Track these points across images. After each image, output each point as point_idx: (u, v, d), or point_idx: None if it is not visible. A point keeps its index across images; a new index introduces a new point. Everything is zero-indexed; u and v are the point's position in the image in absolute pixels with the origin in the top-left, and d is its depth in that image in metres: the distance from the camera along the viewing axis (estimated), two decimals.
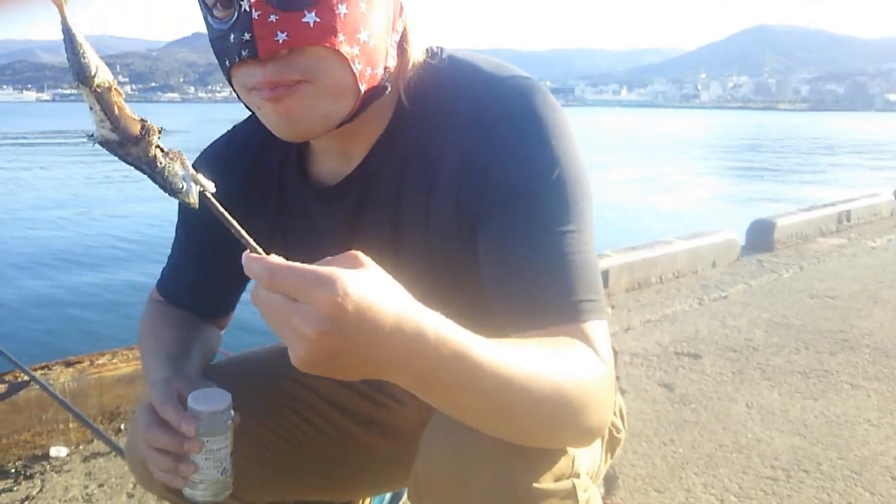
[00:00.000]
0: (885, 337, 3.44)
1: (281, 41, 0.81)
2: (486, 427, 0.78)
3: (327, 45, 0.83)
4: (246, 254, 0.67)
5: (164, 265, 1.26)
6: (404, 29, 0.96)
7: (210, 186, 0.71)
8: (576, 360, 0.81)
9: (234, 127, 1.17)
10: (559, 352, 0.80)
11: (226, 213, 0.70)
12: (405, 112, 0.97)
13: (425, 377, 0.68)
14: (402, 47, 0.96)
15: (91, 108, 0.66)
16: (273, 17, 0.81)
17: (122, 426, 2.34)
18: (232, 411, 0.95)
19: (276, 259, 0.66)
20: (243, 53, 0.82)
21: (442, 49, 1.01)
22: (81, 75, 0.64)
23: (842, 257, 5.33)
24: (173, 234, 1.24)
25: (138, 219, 10.50)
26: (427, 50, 0.99)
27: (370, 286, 0.64)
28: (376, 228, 1.01)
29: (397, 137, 0.98)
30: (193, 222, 1.19)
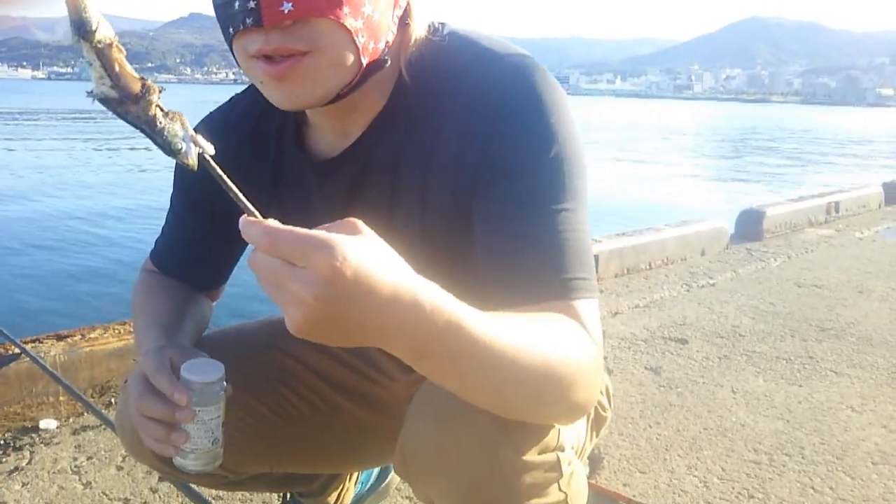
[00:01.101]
0: (870, 326, 3.48)
1: (286, 11, 0.81)
2: (476, 399, 0.78)
3: (332, 17, 0.83)
4: (244, 217, 0.67)
5: (158, 235, 1.27)
6: (408, 4, 0.96)
7: (209, 148, 0.71)
8: (566, 336, 0.82)
9: (233, 97, 1.18)
10: (550, 327, 0.81)
11: (224, 176, 0.70)
12: (405, 87, 0.98)
13: (419, 346, 0.69)
14: (403, 22, 0.96)
15: (91, 65, 0.65)
16: None
17: (113, 400, 2.35)
18: (224, 382, 0.96)
19: (274, 223, 0.66)
20: (247, 21, 0.82)
21: (444, 25, 1.01)
22: (82, 30, 0.63)
23: (829, 247, 5.38)
24: (166, 206, 1.24)
25: (131, 192, 10.45)
26: (429, 26, 0.99)
27: (369, 253, 0.64)
28: (373, 202, 1.01)
29: (397, 113, 0.98)
30: (189, 192, 1.19)
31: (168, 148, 0.69)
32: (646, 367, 2.88)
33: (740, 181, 15.89)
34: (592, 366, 0.83)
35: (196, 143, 0.70)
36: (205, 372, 0.95)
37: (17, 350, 2.19)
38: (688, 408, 2.50)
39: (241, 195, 0.70)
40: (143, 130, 0.68)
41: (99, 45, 0.64)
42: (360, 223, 0.67)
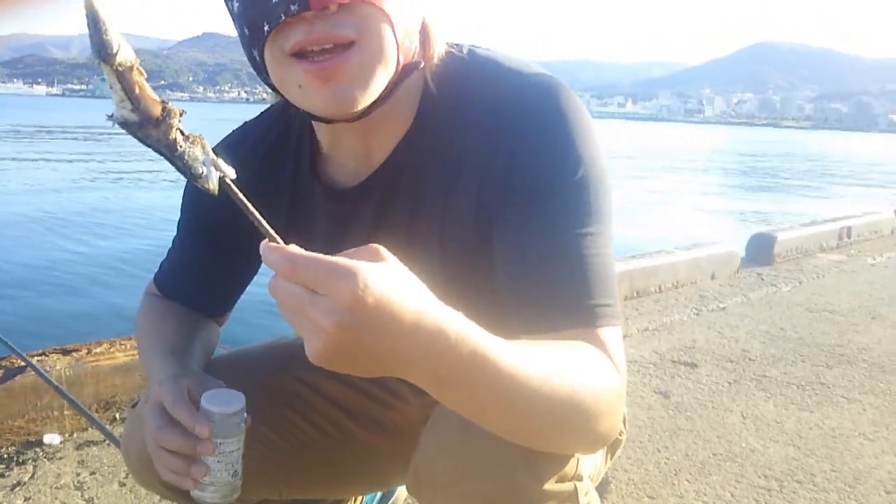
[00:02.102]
0: (882, 352, 3.44)
1: None
2: (499, 429, 0.76)
3: (377, 3, 0.82)
4: (265, 243, 0.65)
5: (164, 259, 1.24)
6: (424, 20, 0.94)
7: (230, 172, 0.69)
8: (590, 366, 0.80)
9: (245, 123, 1.15)
10: (575, 357, 0.79)
11: (245, 201, 0.68)
12: (431, 106, 0.96)
13: (442, 376, 0.67)
14: (423, 37, 0.94)
15: (111, 88, 0.64)
16: None
17: (117, 415, 2.34)
18: (245, 413, 0.93)
19: (295, 249, 0.64)
20: (292, 8, 0.78)
21: (461, 45, 0.99)
22: (103, 52, 0.62)
23: (841, 273, 5.33)
24: (172, 227, 1.22)
25: (140, 208, 10.51)
26: (447, 44, 0.98)
27: (392, 280, 0.63)
28: (394, 226, 0.99)
29: (423, 134, 0.96)
30: (198, 218, 1.17)
31: (188, 172, 0.67)
32: (655, 391, 2.85)
33: (752, 205, 15.83)
34: (616, 396, 0.82)
35: (217, 168, 0.68)
36: (226, 403, 0.92)
37: (22, 363, 2.18)
38: (697, 432, 2.47)
39: (262, 220, 0.68)
40: (163, 154, 0.67)
41: (120, 69, 0.63)
42: (382, 249, 0.66)
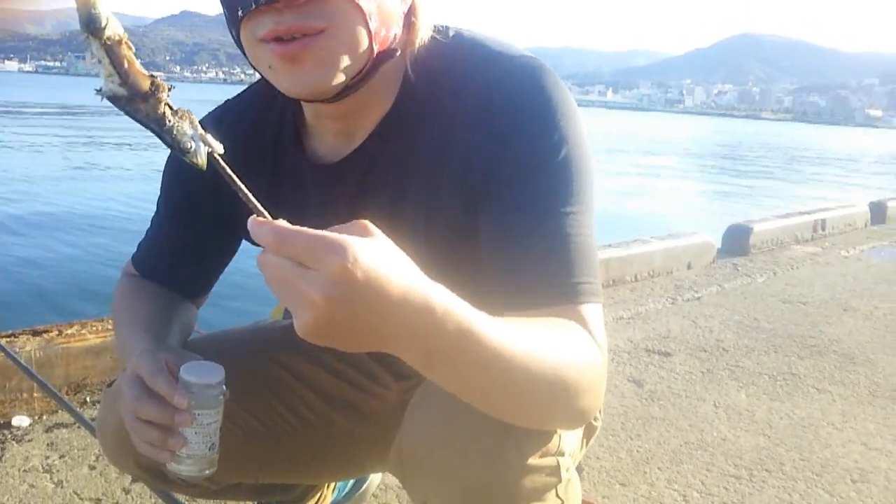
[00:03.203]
0: (853, 344, 3.49)
1: None
2: (484, 404, 0.77)
3: None
4: (252, 218, 0.65)
5: (142, 239, 1.23)
6: (413, 1, 0.94)
7: (218, 147, 0.69)
8: (573, 342, 0.81)
9: (227, 100, 1.15)
10: (558, 333, 0.80)
11: (234, 176, 0.68)
12: (412, 89, 0.96)
13: (429, 350, 0.67)
14: (409, 21, 0.94)
15: (99, 62, 0.63)
16: None
17: (88, 398, 2.31)
18: (224, 386, 0.93)
19: (284, 223, 0.64)
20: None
21: (448, 27, 0.99)
22: (92, 26, 0.61)
23: (815, 265, 5.39)
24: (146, 206, 1.21)
25: (111, 189, 10.38)
26: (434, 27, 0.98)
27: (380, 254, 0.63)
28: (376, 205, 0.99)
29: (404, 114, 0.97)
30: (179, 198, 1.16)
31: (177, 147, 0.67)
32: (629, 380, 2.87)
33: (729, 196, 15.96)
34: (598, 372, 0.83)
35: (205, 142, 0.68)
36: (205, 374, 0.92)
37: None
38: (669, 421, 2.49)
39: (250, 195, 0.68)
40: (151, 129, 0.66)
41: (108, 42, 0.63)
42: (370, 225, 0.66)
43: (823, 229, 6.63)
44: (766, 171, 25.28)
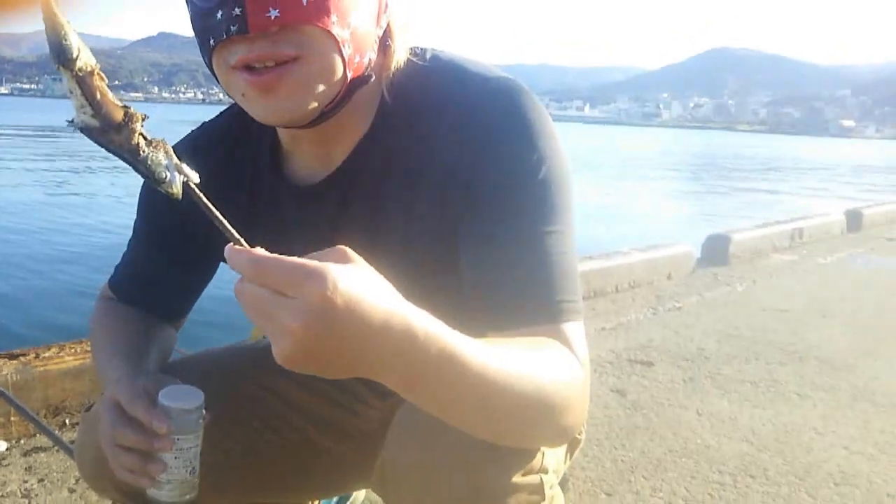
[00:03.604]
0: (832, 349, 3.52)
1: (273, 17, 0.79)
2: (467, 426, 0.77)
3: (320, 24, 0.82)
4: (229, 246, 0.65)
5: (119, 262, 1.22)
6: (388, 26, 0.94)
7: (194, 177, 0.69)
8: (556, 361, 0.80)
9: (204, 122, 1.14)
10: (540, 353, 0.80)
11: (210, 205, 0.68)
12: (388, 111, 0.96)
13: (411, 375, 0.67)
14: (384, 44, 0.94)
15: (71, 93, 0.63)
16: None
17: (67, 421, 2.28)
18: (203, 410, 0.92)
19: (261, 251, 0.63)
20: (231, 29, 0.79)
21: (425, 49, 1.00)
22: (62, 57, 0.61)
23: (793, 273, 5.45)
24: (121, 227, 1.20)
25: (86, 211, 10.28)
26: (410, 49, 0.98)
27: (360, 281, 0.62)
28: (355, 227, 0.99)
29: (380, 138, 0.96)
30: (155, 221, 1.15)
31: (151, 177, 0.67)
32: (611, 390, 2.87)
33: (707, 207, 16.10)
34: (581, 390, 0.82)
35: (180, 172, 0.68)
36: (184, 399, 0.91)
37: None
38: (653, 430, 2.50)
39: (226, 223, 0.67)
40: (125, 159, 0.66)
41: (80, 74, 0.62)
42: (349, 251, 0.66)
43: (801, 238, 6.71)
44: (743, 182, 25.53)
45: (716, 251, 5.74)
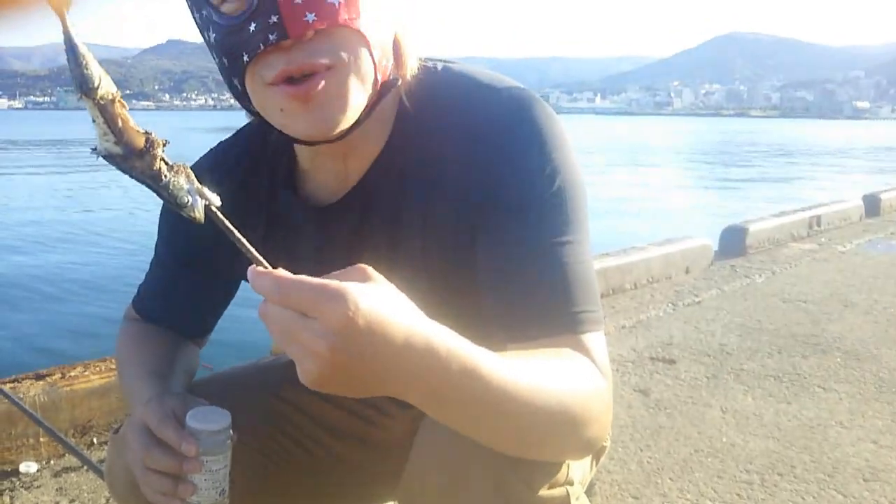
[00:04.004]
0: (856, 340, 3.49)
1: (311, 21, 0.79)
2: (491, 441, 0.77)
3: (353, 26, 0.82)
4: (252, 268, 0.65)
5: (142, 282, 1.23)
6: (396, 35, 0.94)
7: (215, 200, 0.69)
8: (578, 373, 0.81)
9: (220, 143, 1.15)
10: (562, 365, 0.80)
11: (231, 227, 0.68)
12: (406, 123, 0.96)
13: (435, 392, 0.67)
14: (396, 52, 0.94)
15: (94, 121, 0.64)
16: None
17: (95, 440, 2.31)
18: (231, 430, 0.93)
19: (284, 273, 0.64)
20: (271, 38, 0.79)
21: (434, 61, 1.00)
22: (84, 87, 0.62)
23: (813, 262, 5.40)
24: (145, 243, 1.21)
25: (110, 229, 10.36)
26: (420, 60, 0.98)
27: (381, 300, 0.63)
28: (375, 243, 1.00)
29: (398, 151, 0.96)
30: (176, 243, 1.16)
31: (173, 202, 0.67)
32: (634, 389, 2.87)
33: (722, 197, 15.99)
34: (604, 401, 0.83)
35: (202, 196, 0.68)
36: (211, 420, 0.92)
37: None
38: (678, 429, 2.49)
39: (249, 246, 0.68)
40: (147, 185, 0.66)
41: (101, 102, 0.63)
42: (369, 269, 0.66)
43: (819, 225, 6.65)
44: (757, 169, 25.34)
45: (733, 243, 5.70)
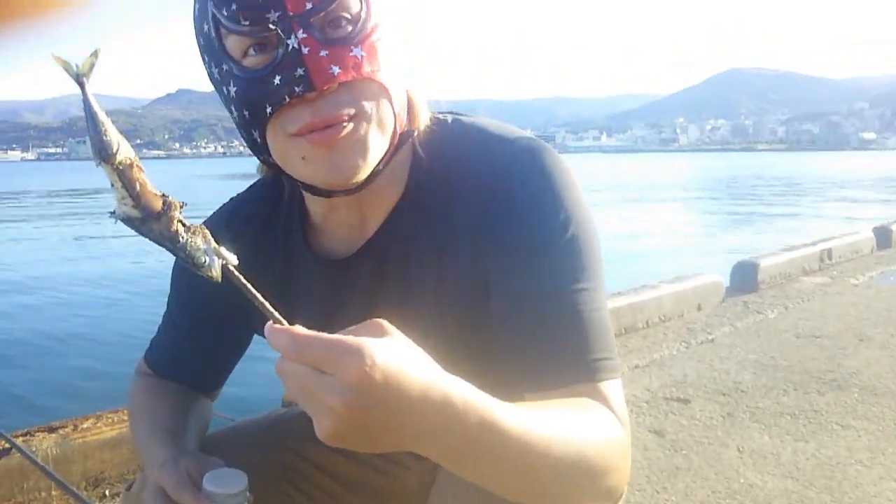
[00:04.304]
0: (873, 375, 3.45)
1: (336, 73, 0.81)
2: (509, 493, 0.76)
3: (376, 78, 0.85)
4: (269, 325, 0.65)
5: (154, 336, 1.24)
6: (407, 91, 0.96)
7: (232, 259, 0.70)
8: (596, 422, 0.80)
9: (234, 197, 1.15)
10: (580, 415, 0.80)
11: (248, 285, 0.69)
12: (420, 176, 0.97)
13: (452, 445, 0.67)
14: (408, 107, 0.96)
15: (112, 186, 0.65)
16: (324, 52, 0.81)
17: (107, 492, 2.29)
18: (248, 492, 0.92)
19: (300, 329, 0.64)
20: (297, 90, 0.81)
21: (446, 114, 1.01)
22: (103, 153, 0.63)
23: (825, 295, 5.37)
24: (157, 295, 1.22)
25: (119, 280, 10.41)
26: (432, 114, 1.00)
27: (397, 355, 0.63)
28: (389, 296, 1.00)
29: (413, 203, 0.97)
30: (188, 298, 1.16)
31: (191, 262, 0.68)
32: (650, 430, 2.83)
33: (732, 231, 15.97)
34: (623, 450, 0.82)
35: (219, 255, 0.69)
36: (228, 483, 0.91)
37: (7, 445, 2.14)
38: (694, 471, 2.45)
39: (265, 303, 0.68)
40: (165, 246, 0.67)
41: (120, 167, 0.65)
42: (385, 324, 0.66)
43: (830, 258, 6.62)
44: (765, 204, 25.32)
45: (744, 278, 5.68)
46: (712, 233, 16.11)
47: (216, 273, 0.69)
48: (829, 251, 6.66)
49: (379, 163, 0.89)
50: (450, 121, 1.00)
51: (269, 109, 0.83)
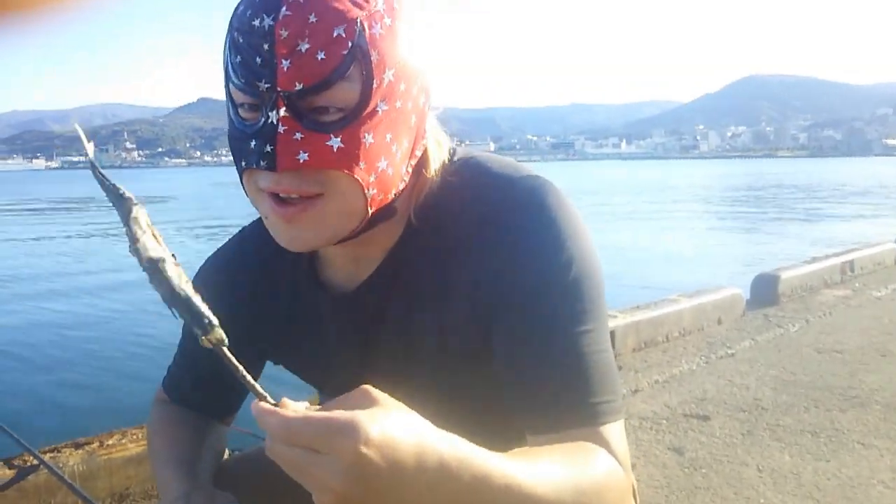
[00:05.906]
0: (895, 392, 3.42)
1: (302, 160, 0.81)
2: None
3: (346, 171, 0.84)
4: (256, 405, 0.67)
5: (171, 363, 1.26)
6: (425, 151, 0.96)
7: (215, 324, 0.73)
8: (596, 468, 0.81)
9: (243, 229, 1.18)
10: (579, 461, 0.80)
11: (238, 365, 0.71)
12: (421, 215, 0.97)
13: (450, 503, 0.68)
14: (418, 170, 0.96)
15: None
16: (298, 136, 0.81)
17: None
18: None
19: (289, 410, 0.65)
20: (261, 164, 0.82)
21: (455, 152, 1.01)
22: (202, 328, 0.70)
23: (847, 308, 5.33)
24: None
25: (143, 294, 10.48)
26: (443, 163, 0.99)
27: (389, 426, 0.64)
28: (390, 334, 1.01)
29: (413, 240, 0.98)
30: None
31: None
32: (668, 448, 2.83)
33: (752, 243, 15.83)
34: (622, 494, 0.83)
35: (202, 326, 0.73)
36: None
37: (35, 461, 2.18)
38: (714, 490, 2.45)
39: (255, 384, 0.70)
40: (165, 301, 0.72)
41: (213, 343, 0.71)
42: (372, 391, 0.67)
43: (852, 270, 6.57)
44: (788, 212, 25.07)
45: (765, 291, 5.65)
46: (732, 241, 15.98)
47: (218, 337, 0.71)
48: (851, 263, 6.61)
49: (345, 237, 0.90)
50: (457, 161, 1.00)
51: (242, 164, 0.86)
